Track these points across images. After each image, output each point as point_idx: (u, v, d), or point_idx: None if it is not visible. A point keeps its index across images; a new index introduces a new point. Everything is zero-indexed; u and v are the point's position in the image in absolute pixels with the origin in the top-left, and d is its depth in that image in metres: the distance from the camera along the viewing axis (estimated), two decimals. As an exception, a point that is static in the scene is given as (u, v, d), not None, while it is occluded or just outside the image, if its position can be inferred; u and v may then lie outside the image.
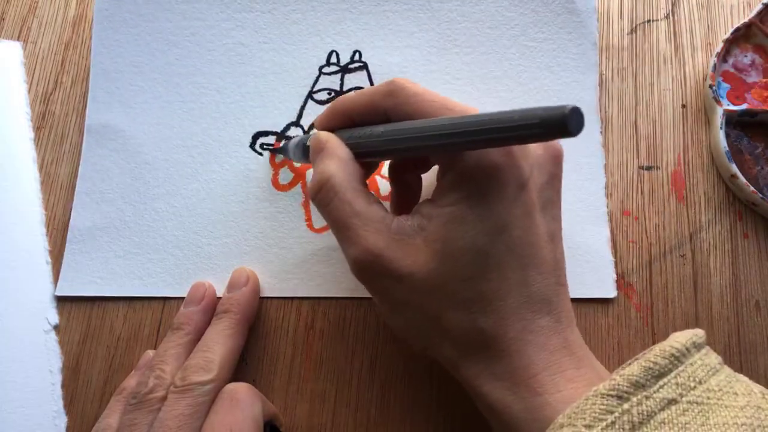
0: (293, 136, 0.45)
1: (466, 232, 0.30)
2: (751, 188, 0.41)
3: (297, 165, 0.45)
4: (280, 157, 0.45)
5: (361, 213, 0.32)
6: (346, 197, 0.32)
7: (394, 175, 0.40)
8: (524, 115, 0.25)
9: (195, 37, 0.48)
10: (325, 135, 0.36)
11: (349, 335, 0.42)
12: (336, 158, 0.34)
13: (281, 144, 0.45)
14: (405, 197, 0.40)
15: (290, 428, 0.40)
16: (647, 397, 0.27)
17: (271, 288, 0.43)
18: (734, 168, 0.41)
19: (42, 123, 0.47)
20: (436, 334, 0.32)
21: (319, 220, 0.44)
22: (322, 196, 0.33)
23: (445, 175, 0.32)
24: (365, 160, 0.35)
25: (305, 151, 0.39)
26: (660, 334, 0.40)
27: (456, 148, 0.30)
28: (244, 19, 0.48)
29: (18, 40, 0.49)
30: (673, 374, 0.28)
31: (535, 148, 0.32)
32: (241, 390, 0.36)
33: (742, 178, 0.41)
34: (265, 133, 0.46)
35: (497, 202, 0.30)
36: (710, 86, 0.43)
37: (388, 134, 0.32)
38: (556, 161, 0.33)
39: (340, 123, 0.36)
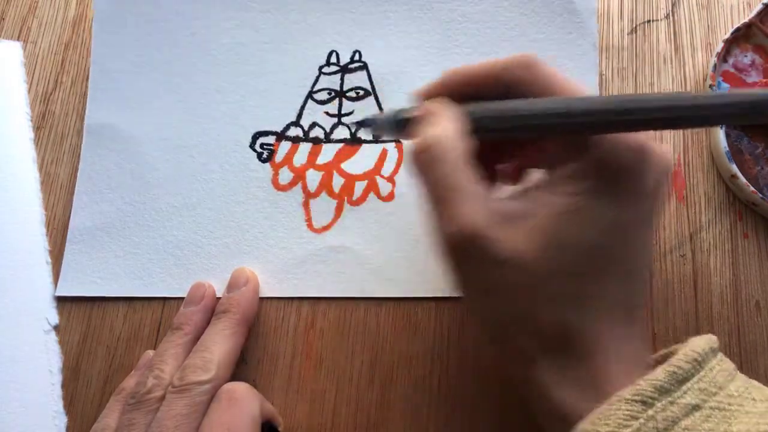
0: (288, 132, 0.45)
1: (582, 226, 0.29)
2: (751, 188, 0.40)
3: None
4: (280, 157, 0.45)
5: (464, 187, 0.30)
6: (450, 167, 0.30)
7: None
8: (733, 99, 0.25)
9: (195, 37, 0.48)
10: (439, 103, 0.33)
11: (349, 335, 0.42)
12: (448, 125, 0.31)
13: (364, 118, 0.39)
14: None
15: (290, 428, 0.40)
16: (671, 403, 0.26)
17: (271, 288, 0.43)
18: (734, 168, 0.41)
19: (42, 123, 0.47)
20: (519, 325, 0.30)
21: (319, 220, 0.44)
22: (424, 158, 0.30)
23: (563, 162, 0.31)
24: (482, 137, 0.32)
25: (400, 124, 0.34)
26: (660, 334, 0.40)
27: (631, 128, 0.29)
28: (243, 19, 0.48)
29: (18, 40, 0.49)
30: (695, 379, 0.27)
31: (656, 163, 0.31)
32: (239, 389, 0.36)
33: (742, 178, 0.41)
34: (265, 133, 0.46)
35: (618, 204, 0.29)
36: (710, 86, 0.43)
37: (530, 110, 0.30)
38: (667, 174, 0.32)
39: (453, 93, 0.33)
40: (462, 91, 0.33)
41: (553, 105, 0.30)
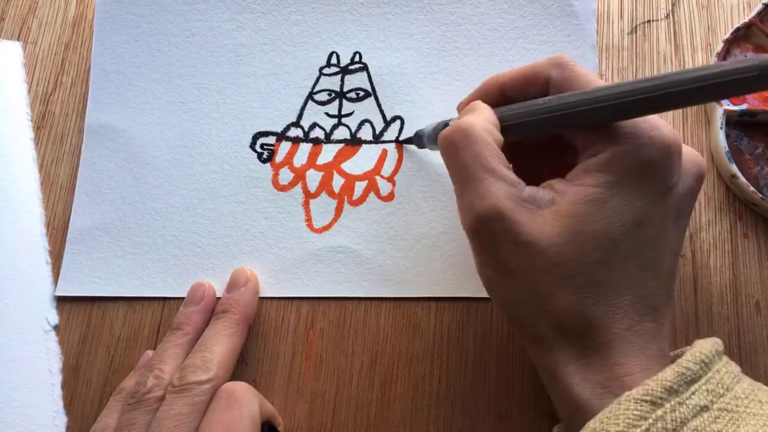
0: (289, 132, 0.45)
1: (603, 217, 0.30)
2: (751, 188, 0.41)
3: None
4: (280, 157, 0.45)
5: (496, 169, 0.31)
6: (483, 150, 0.31)
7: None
8: (736, 67, 0.26)
9: (195, 38, 0.48)
10: (478, 102, 0.35)
11: (349, 335, 0.42)
12: (484, 116, 0.33)
13: (414, 133, 0.43)
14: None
15: (290, 428, 0.40)
16: (680, 404, 0.26)
17: (271, 288, 0.43)
18: (734, 168, 0.41)
19: (42, 123, 0.47)
20: (537, 310, 0.31)
21: (319, 220, 0.44)
22: (457, 138, 0.32)
23: (588, 156, 0.31)
24: (512, 137, 0.34)
25: None
26: (660, 334, 0.40)
27: (649, 111, 0.30)
28: (244, 20, 0.48)
29: (18, 40, 0.49)
30: (703, 380, 0.27)
31: (684, 158, 0.32)
32: (238, 389, 0.36)
33: (742, 178, 0.41)
34: (265, 134, 0.46)
35: (641, 197, 0.30)
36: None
37: (561, 101, 0.31)
38: (698, 177, 0.33)
39: (491, 98, 0.35)
40: (500, 95, 0.35)
41: (577, 96, 0.31)
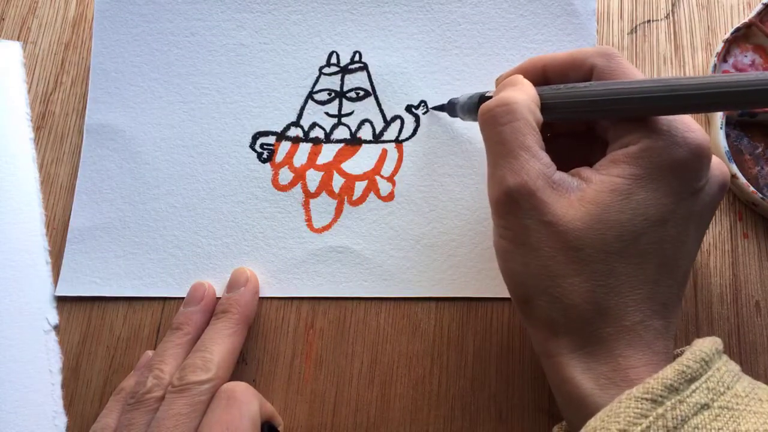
0: (289, 132, 0.45)
1: (628, 209, 0.30)
2: (751, 188, 0.40)
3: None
4: (280, 157, 0.45)
5: (531, 147, 0.32)
6: (523, 127, 0.32)
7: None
8: None
9: (195, 38, 0.48)
10: (520, 77, 0.35)
11: (349, 335, 0.42)
12: (527, 93, 0.33)
13: (448, 100, 0.43)
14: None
15: (290, 428, 0.40)
16: (681, 402, 0.26)
17: (271, 288, 0.43)
18: (734, 168, 0.41)
19: (42, 123, 0.47)
20: (548, 290, 0.31)
21: (319, 220, 0.44)
22: (500, 112, 0.32)
23: (618, 147, 0.32)
24: (548, 117, 0.34)
25: (482, 103, 0.37)
26: (660, 334, 0.40)
27: (691, 110, 0.31)
28: (244, 20, 0.48)
29: (18, 40, 0.49)
30: (703, 378, 0.27)
31: (712, 166, 0.32)
32: (238, 389, 0.36)
33: (742, 178, 0.41)
34: (265, 133, 0.46)
35: (668, 195, 0.30)
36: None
37: (603, 87, 0.32)
38: (723, 186, 0.33)
39: (532, 75, 0.36)
40: (541, 75, 0.36)
41: (621, 85, 0.32)
